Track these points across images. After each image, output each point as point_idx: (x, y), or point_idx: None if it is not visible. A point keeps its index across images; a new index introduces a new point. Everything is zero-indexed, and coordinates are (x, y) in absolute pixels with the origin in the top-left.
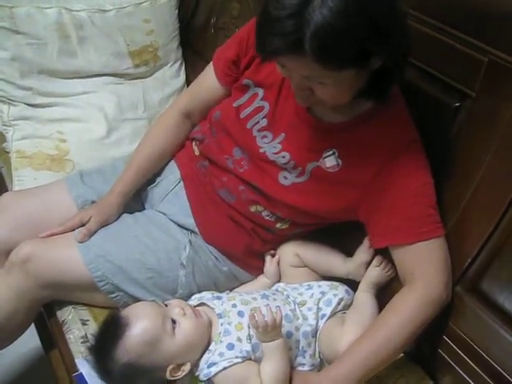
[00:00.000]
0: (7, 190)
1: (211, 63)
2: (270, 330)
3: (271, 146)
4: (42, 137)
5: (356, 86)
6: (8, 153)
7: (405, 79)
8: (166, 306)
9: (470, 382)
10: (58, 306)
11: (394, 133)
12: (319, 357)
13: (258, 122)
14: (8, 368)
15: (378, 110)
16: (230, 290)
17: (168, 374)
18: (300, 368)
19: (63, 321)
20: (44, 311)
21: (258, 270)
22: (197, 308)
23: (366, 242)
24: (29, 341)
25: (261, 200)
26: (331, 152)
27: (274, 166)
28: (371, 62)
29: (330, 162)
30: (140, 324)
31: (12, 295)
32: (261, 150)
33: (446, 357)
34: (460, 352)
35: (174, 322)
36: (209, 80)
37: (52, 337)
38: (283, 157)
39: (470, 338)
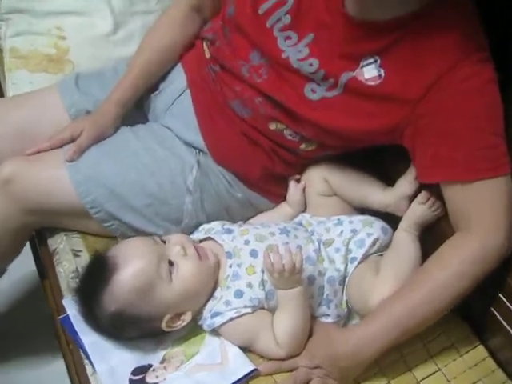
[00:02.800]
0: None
1: None
2: (288, 275)
3: (296, 50)
4: (38, 33)
5: None
6: (1, 51)
7: None
8: (165, 242)
9: None
10: (49, 233)
11: (455, 38)
12: (347, 306)
13: (279, 19)
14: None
15: (437, 9)
16: (246, 220)
17: (164, 324)
18: (323, 319)
19: (54, 250)
20: (36, 237)
21: (278, 197)
22: (202, 245)
23: (411, 171)
24: (25, 265)
25: (282, 117)
26: (372, 60)
27: (298, 75)
28: None
29: (369, 72)
30: (130, 267)
31: None
32: (283, 55)
33: (499, 316)
34: None
35: (171, 264)
36: None
37: (44, 266)
38: (310, 64)
39: None
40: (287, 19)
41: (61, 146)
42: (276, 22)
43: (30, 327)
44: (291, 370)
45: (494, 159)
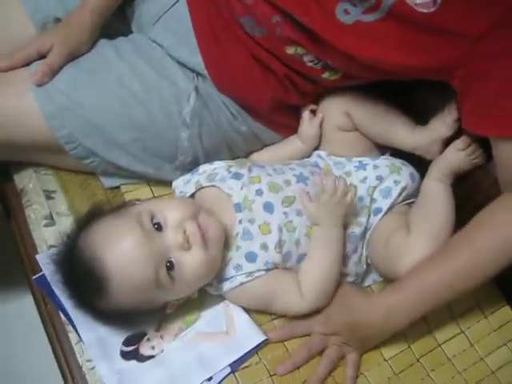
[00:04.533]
0: None
1: None
2: (340, 198)
3: None
4: None
5: None
6: None
7: None
8: (159, 228)
9: None
10: (15, 169)
11: None
12: (366, 263)
13: None
14: None
15: None
16: (248, 155)
17: (168, 309)
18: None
19: (22, 189)
20: None
21: (289, 129)
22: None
23: (450, 112)
24: None
25: (304, 40)
26: None
27: None
28: None
29: None
30: (124, 279)
31: None
32: None
33: None
34: None
35: (171, 267)
36: None
37: (10, 209)
38: None
39: None
40: None
41: (26, 65)
42: None
43: None
44: (305, 336)
45: None
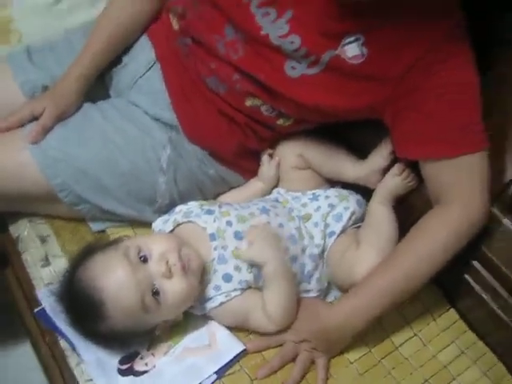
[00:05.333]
0: None
1: None
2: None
3: (276, 27)
4: None
5: None
6: None
7: None
8: (145, 260)
9: (493, 306)
10: (10, 220)
11: (434, 17)
12: (326, 280)
13: None
14: None
15: None
16: (216, 197)
17: (157, 332)
18: (305, 295)
19: (17, 237)
20: None
21: (250, 172)
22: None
23: (386, 145)
24: None
25: (260, 93)
26: (354, 38)
27: (278, 52)
28: None
29: (352, 50)
30: (117, 305)
31: None
32: (262, 32)
33: (471, 280)
34: (487, 275)
35: (157, 293)
36: None
37: (6, 256)
38: (291, 42)
39: (500, 261)
40: None
41: (21, 126)
42: None
43: None
44: (279, 346)
45: (473, 136)
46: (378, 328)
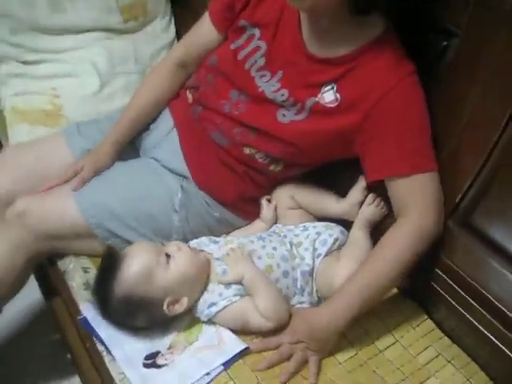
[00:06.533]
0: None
1: (207, 12)
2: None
3: (270, 85)
4: (35, 93)
5: None
6: (1, 111)
7: (394, 17)
8: (164, 245)
9: (463, 312)
10: (58, 258)
11: (390, 65)
12: (317, 295)
13: (255, 62)
14: (10, 323)
15: (374, 45)
16: (226, 234)
17: (165, 306)
18: (299, 306)
19: (64, 270)
20: (45, 262)
21: (251, 215)
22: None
23: (359, 182)
24: (28, 295)
25: (255, 141)
26: (330, 86)
27: (272, 103)
28: None
29: (328, 96)
30: (134, 258)
31: (10, 249)
32: (259, 90)
33: (440, 289)
34: (453, 284)
35: (168, 256)
36: (205, 27)
37: (54, 286)
38: (282, 94)
39: (462, 269)
40: (262, 61)
41: (67, 182)
42: (253, 64)
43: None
44: (277, 347)
45: (426, 157)
46: (364, 335)
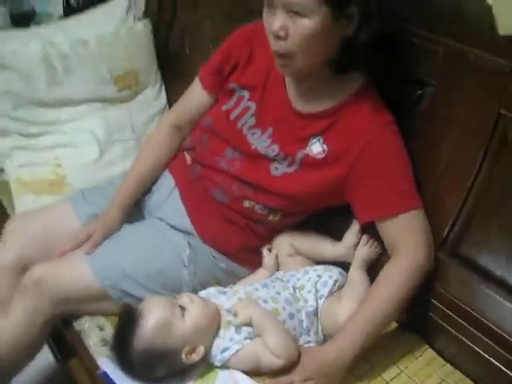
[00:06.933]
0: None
1: (197, 78)
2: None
3: (261, 141)
4: (38, 164)
5: (327, 43)
6: (7, 183)
7: (372, 72)
8: (176, 298)
9: (462, 338)
10: (73, 319)
11: (371, 117)
12: (322, 334)
13: (246, 122)
14: None
15: (354, 98)
16: (233, 284)
17: (184, 356)
18: (306, 345)
19: (80, 330)
20: (60, 324)
21: (254, 264)
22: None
23: (353, 226)
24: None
25: (253, 194)
26: (316, 139)
27: (265, 159)
28: (344, 24)
29: (316, 148)
30: (151, 313)
31: (26, 317)
32: (252, 147)
33: (438, 319)
34: (449, 312)
35: (183, 308)
36: (196, 92)
37: (70, 346)
38: (273, 150)
39: (456, 298)
40: (252, 120)
41: (79, 246)
42: (244, 123)
43: None
44: None
45: (410, 198)
46: (370, 369)
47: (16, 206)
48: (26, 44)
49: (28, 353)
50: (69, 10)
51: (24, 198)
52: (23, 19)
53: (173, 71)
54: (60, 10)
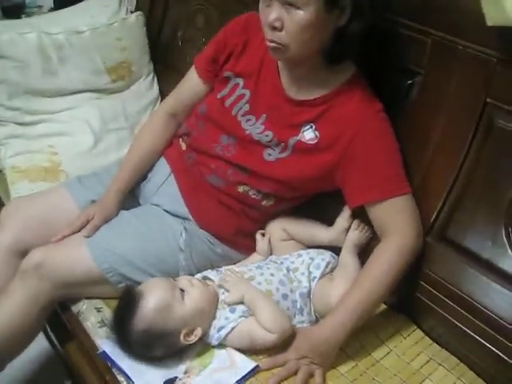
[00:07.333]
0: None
1: (193, 66)
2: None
3: (255, 128)
4: (34, 151)
5: (321, 34)
6: (1, 171)
7: (363, 62)
8: (175, 280)
9: (448, 317)
10: (70, 303)
11: (361, 105)
12: (315, 314)
13: (241, 108)
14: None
15: (346, 87)
16: None
17: (182, 338)
18: (299, 325)
19: (78, 312)
20: (58, 308)
21: (250, 249)
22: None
23: (344, 211)
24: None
25: (247, 179)
26: (309, 126)
27: (258, 144)
28: (337, 15)
29: (308, 134)
30: (152, 294)
31: (28, 300)
32: (246, 132)
33: (426, 300)
34: (436, 293)
35: (182, 290)
36: (192, 80)
37: (68, 330)
38: (266, 135)
39: (444, 279)
40: (246, 107)
41: (79, 230)
42: (239, 110)
43: None
44: (284, 363)
45: (399, 182)
46: (361, 348)
47: (11, 192)
48: (22, 34)
49: (25, 338)
50: (60, 3)
51: (19, 185)
52: (15, 10)
53: (165, 63)
54: (50, 3)
